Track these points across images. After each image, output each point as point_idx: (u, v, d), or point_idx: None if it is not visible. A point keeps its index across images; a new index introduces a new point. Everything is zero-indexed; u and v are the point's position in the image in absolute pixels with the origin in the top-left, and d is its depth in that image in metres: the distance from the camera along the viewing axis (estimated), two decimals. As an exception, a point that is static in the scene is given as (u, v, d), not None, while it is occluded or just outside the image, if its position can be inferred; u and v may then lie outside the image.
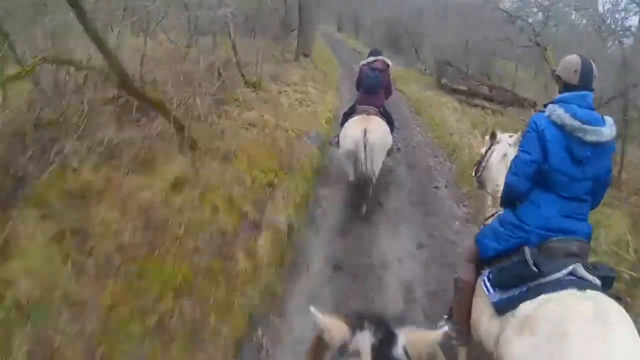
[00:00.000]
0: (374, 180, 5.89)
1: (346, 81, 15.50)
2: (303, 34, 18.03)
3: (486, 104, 16.43)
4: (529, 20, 14.85)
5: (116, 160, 5.63)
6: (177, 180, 5.65)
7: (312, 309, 1.17)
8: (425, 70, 22.33)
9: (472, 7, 20.66)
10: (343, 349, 1.10)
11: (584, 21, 17.83)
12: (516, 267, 2.48)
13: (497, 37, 17.07)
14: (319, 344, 1.17)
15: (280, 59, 15.38)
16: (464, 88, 18.38)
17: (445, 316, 3.35)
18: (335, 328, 1.14)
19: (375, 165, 5.68)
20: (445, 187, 7.91)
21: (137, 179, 5.46)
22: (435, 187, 7.87)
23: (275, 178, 6.42)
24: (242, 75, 10.71)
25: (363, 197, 5.84)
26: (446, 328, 1.25)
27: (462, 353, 3.14)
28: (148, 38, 8.62)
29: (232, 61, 10.61)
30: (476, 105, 15.95)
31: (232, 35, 9.98)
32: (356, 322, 1.14)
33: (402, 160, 8.80)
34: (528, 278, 2.41)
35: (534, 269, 2.36)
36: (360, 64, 6.87)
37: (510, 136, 3.57)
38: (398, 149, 7.22)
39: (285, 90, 11.49)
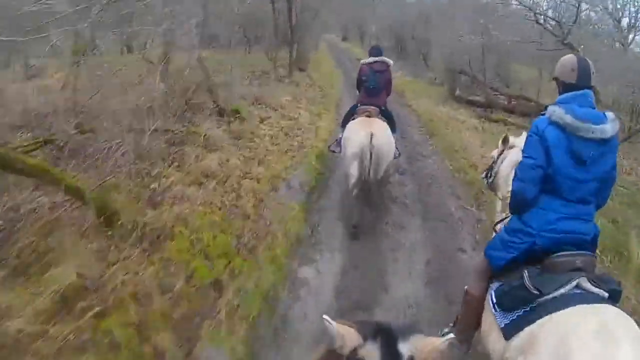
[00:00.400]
0: (377, 186, 5.68)
1: (349, 95, 13.41)
2: (298, 46, 15.99)
3: (508, 117, 14.20)
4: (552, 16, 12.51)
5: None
6: (68, 293, 3.53)
7: (325, 317, 1.15)
8: (435, 79, 20.08)
9: (484, 5, 18.33)
10: (353, 355, 1.11)
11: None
12: (516, 292, 2.40)
13: (514, 39, 14.79)
14: (331, 352, 1.14)
15: (271, 76, 13.29)
16: (481, 100, 16.15)
17: (451, 324, 3.26)
18: (347, 335, 1.13)
19: (380, 171, 5.48)
20: (474, 249, 5.68)
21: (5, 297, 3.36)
22: (461, 250, 5.69)
23: (227, 270, 4.27)
24: (214, 101, 8.56)
25: (367, 204, 5.61)
26: (452, 336, 1.23)
27: None
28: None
29: (213, 82, 8.57)
30: (496, 121, 13.74)
31: (196, 48, 7.78)
32: (367, 330, 1.14)
33: (416, 205, 6.76)
34: (530, 300, 2.33)
35: (535, 292, 2.30)
36: (361, 62, 6.50)
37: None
38: (399, 154, 6.70)
39: (269, 117, 9.36)
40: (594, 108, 2.47)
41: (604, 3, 15.02)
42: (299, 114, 10.35)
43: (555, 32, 12.26)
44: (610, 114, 2.46)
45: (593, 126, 2.36)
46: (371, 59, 6.25)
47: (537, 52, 14.59)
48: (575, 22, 12.46)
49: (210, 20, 16.72)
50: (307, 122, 9.91)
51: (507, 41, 14.73)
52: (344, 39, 50.06)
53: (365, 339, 1.12)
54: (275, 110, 10.11)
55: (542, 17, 12.53)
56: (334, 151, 6.70)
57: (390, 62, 6.40)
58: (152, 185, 5.61)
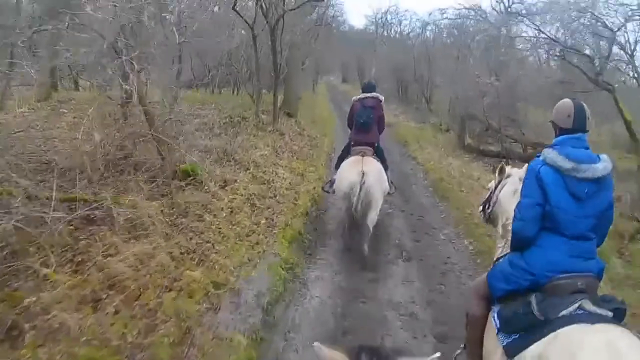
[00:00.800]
0: (374, 223, 5.44)
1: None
2: (287, 89, 13.98)
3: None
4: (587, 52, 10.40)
5: None
6: None
7: (315, 344, 1.16)
8: (441, 126, 17.98)
9: (495, 39, 16.36)
10: None
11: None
12: (522, 317, 2.37)
13: (530, 79, 12.75)
14: None
15: (252, 123, 11.17)
16: (495, 149, 14.00)
17: (462, 345, 3.19)
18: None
19: (372, 210, 5.30)
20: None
21: None
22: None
23: None
24: (162, 156, 6.27)
25: (362, 239, 5.40)
26: (438, 354, 1.24)
27: None
28: None
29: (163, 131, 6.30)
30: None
31: (133, 84, 5.54)
32: (356, 355, 1.15)
33: (427, 324, 4.46)
34: (535, 325, 2.30)
35: (541, 318, 2.28)
36: (353, 99, 6.46)
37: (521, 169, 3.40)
38: (395, 189, 6.66)
39: (235, 181, 7.08)
40: (588, 149, 2.49)
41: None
42: (277, 173, 8.11)
43: (585, 69, 10.14)
44: (604, 155, 2.48)
45: (584, 166, 2.39)
46: (363, 95, 6.16)
47: (556, 94, 12.52)
48: (608, 57, 10.40)
49: (195, 56, 15.22)
50: (285, 185, 7.67)
51: (525, 82, 12.65)
52: (344, 80, 48.77)
53: None
54: (247, 169, 7.86)
55: (569, 51, 10.39)
56: (327, 191, 6.55)
57: (382, 97, 6.32)
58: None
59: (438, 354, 1.22)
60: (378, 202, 5.48)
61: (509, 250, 2.81)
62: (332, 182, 6.21)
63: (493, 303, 2.74)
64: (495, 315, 2.61)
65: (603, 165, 2.43)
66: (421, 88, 23.40)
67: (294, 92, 13.96)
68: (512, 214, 2.76)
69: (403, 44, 32.70)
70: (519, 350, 2.31)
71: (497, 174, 3.64)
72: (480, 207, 3.79)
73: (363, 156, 5.67)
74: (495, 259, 3.20)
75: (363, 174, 5.19)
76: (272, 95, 12.08)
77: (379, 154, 6.08)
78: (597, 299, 2.34)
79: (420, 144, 14.04)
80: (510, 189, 3.37)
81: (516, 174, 3.40)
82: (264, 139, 10.14)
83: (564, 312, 2.27)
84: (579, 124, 2.51)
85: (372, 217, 5.41)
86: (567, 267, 2.43)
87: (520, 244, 2.62)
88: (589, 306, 2.27)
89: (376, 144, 6.14)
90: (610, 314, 2.26)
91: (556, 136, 2.60)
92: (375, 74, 38.34)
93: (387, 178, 5.99)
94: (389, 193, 6.23)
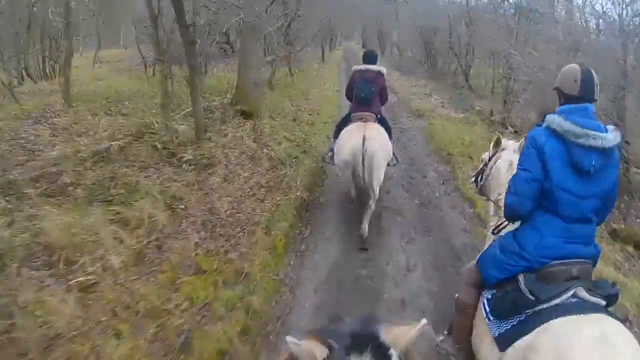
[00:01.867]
0: (376, 195, 4.91)
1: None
2: (240, 74, 8.08)
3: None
4: None
5: None
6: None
7: (288, 338, 1.05)
8: (493, 116, 11.74)
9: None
10: None
11: None
12: (512, 297, 2.20)
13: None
14: None
15: (150, 146, 5.39)
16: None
17: (445, 332, 3.02)
18: (314, 351, 1.03)
19: (375, 176, 4.78)
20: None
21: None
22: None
23: None
24: None
25: (365, 212, 4.86)
26: (424, 321, 1.11)
27: None
28: None
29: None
30: None
31: None
32: (336, 341, 1.03)
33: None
34: (526, 306, 2.14)
35: (531, 297, 2.11)
36: (353, 69, 5.64)
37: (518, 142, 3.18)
38: (397, 161, 6.06)
39: None
40: (594, 120, 2.22)
41: None
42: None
43: None
44: (610, 126, 2.22)
45: (593, 132, 2.11)
46: (363, 67, 5.49)
47: None
48: None
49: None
50: None
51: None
52: (364, 46, 42.81)
53: (334, 349, 1.01)
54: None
55: None
56: (327, 162, 6.02)
57: (384, 70, 5.58)
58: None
59: (424, 321, 1.11)
60: (381, 170, 4.91)
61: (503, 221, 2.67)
62: (332, 154, 5.56)
63: (483, 289, 2.50)
64: (485, 302, 2.39)
65: (613, 135, 2.15)
66: (458, 59, 17.00)
67: (251, 76, 7.95)
68: (505, 188, 2.49)
69: (431, 2, 25.83)
70: (510, 341, 2.12)
71: (492, 146, 3.37)
72: (472, 178, 3.57)
73: (365, 121, 5.08)
74: (486, 234, 3.14)
75: (364, 138, 4.66)
76: (190, 85, 6.08)
77: (382, 124, 5.38)
78: (591, 286, 2.15)
79: (463, 149, 8.18)
80: (504, 162, 3.15)
81: (511, 146, 3.19)
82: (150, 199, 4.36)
83: (557, 301, 2.09)
84: (586, 91, 2.23)
85: (375, 189, 4.82)
86: (563, 253, 2.20)
87: (513, 219, 2.43)
88: (583, 294, 2.11)
89: (378, 116, 5.41)
90: (603, 302, 2.11)
91: (560, 105, 2.30)
92: (398, 40, 32.04)
93: (392, 148, 5.37)
94: (392, 164, 5.63)
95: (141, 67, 11.52)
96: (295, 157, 6.74)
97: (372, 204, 4.89)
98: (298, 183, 5.81)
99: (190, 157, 5.44)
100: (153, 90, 8.22)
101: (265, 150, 6.61)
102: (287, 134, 7.67)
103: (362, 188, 4.90)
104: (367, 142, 4.70)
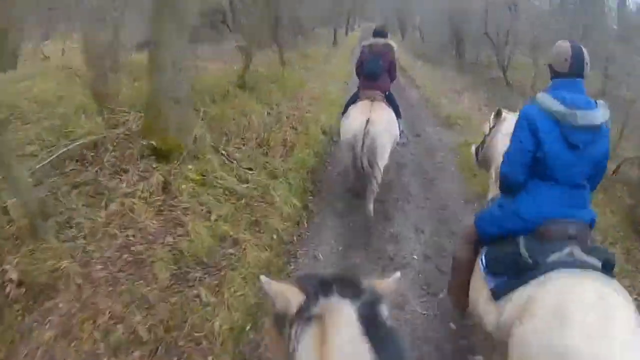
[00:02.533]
0: (379, 178, 4.54)
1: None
2: (155, 85, 4.45)
3: None
4: None
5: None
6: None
7: (262, 277, 1.04)
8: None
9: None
10: (301, 314, 0.94)
11: None
12: (510, 258, 2.20)
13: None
14: (277, 315, 1.01)
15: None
16: None
17: (444, 290, 3.13)
18: (288, 294, 0.99)
19: (378, 160, 4.45)
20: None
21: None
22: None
23: None
24: None
25: (368, 194, 4.54)
26: (398, 274, 1.11)
27: None
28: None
29: None
30: None
31: None
32: (314, 287, 0.97)
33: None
34: (524, 268, 2.11)
35: (529, 260, 2.10)
36: (362, 44, 5.50)
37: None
38: (407, 139, 5.86)
39: None
40: (584, 94, 2.24)
41: None
42: None
43: None
44: (601, 101, 2.25)
45: (581, 112, 2.15)
46: (373, 40, 5.25)
47: None
48: None
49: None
50: None
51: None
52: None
53: (310, 294, 0.95)
54: None
55: None
56: (335, 140, 6.10)
57: (394, 44, 5.31)
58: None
59: (398, 274, 1.09)
60: (385, 153, 4.62)
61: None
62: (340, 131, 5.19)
63: (481, 247, 2.53)
64: (483, 258, 2.40)
65: (601, 112, 2.18)
66: (496, 50, 13.55)
67: (167, 87, 4.34)
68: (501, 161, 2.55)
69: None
70: (506, 291, 2.14)
71: (492, 118, 3.42)
72: (474, 151, 3.59)
73: (372, 101, 4.80)
74: (488, 200, 3.03)
75: (368, 121, 4.42)
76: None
77: (391, 101, 5.10)
78: (588, 247, 2.14)
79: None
80: (503, 133, 3.09)
81: (512, 118, 3.04)
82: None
83: (553, 257, 2.07)
84: (576, 68, 2.26)
85: (378, 173, 4.51)
86: (558, 214, 2.21)
87: (508, 188, 2.41)
88: (579, 253, 2.09)
89: (386, 93, 5.13)
90: (599, 263, 2.06)
91: (551, 79, 2.35)
92: (420, 23, 28.35)
93: (399, 125, 5.03)
94: (401, 143, 5.36)
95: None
96: (231, 256, 3.56)
97: (376, 187, 4.58)
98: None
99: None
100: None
101: (170, 239, 3.39)
102: (231, 187, 4.43)
103: (363, 171, 4.51)
104: (370, 125, 4.42)
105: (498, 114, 3.36)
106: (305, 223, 4.56)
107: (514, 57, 14.02)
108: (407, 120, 7.16)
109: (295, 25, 18.94)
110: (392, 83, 5.37)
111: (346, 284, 0.96)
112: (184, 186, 4.15)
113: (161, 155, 4.17)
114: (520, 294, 2.04)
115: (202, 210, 3.88)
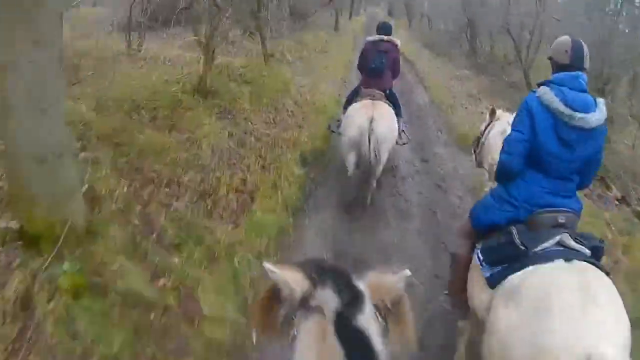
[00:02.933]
0: (378, 174, 4.63)
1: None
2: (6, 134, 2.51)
3: None
4: None
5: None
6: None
7: (265, 264, 0.99)
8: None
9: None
10: (304, 302, 0.95)
11: None
12: (504, 247, 2.26)
13: None
14: (271, 297, 1.02)
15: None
16: None
17: (445, 292, 3.02)
18: (295, 281, 0.97)
19: (381, 158, 4.46)
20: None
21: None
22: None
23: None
24: None
25: (366, 188, 4.57)
26: (407, 272, 1.05)
27: (463, 329, 2.82)
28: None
29: None
30: None
31: None
32: (318, 276, 0.98)
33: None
34: (517, 255, 2.18)
35: (522, 247, 2.17)
36: (366, 40, 5.46)
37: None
38: (409, 139, 5.61)
39: None
40: (586, 92, 2.30)
41: None
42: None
43: None
44: (600, 101, 2.30)
45: (577, 114, 2.21)
46: (377, 37, 5.22)
47: None
48: None
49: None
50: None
51: None
52: (389, 13, 37.74)
53: (315, 284, 0.95)
54: None
55: None
56: (333, 131, 5.48)
57: (398, 42, 5.31)
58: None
59: (407, 272, 1.04)
60: (386, 154, 4.59)
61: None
62: (339, 123, 5.15)
63: (477, 242, 2.56)
64: (479, 251, 2.43)
65: (597, 117, 2.24)
66: (517, 48, 11.54)
67: (26, 137, 2.39)
68: (496, 156, 2.64)
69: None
70: (499, 280, 2.18)
71: (487, 116, 3.53)
72: (472, 150, 3.71)
73: (373, 99, 4.75)
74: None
75: (372, 119, 4.35)
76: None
77: (392, 100, 5.06)
78: (577, 235, 2.20)
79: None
80: (497, 130, 3.21)
81: (506, 117, 3.22)
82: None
83: (543, 245, 2.14)
84: (576, 60, 2.33)
85: (379, 169, 4.55)
86: (546, 202, 2.31)
87: (505, 176, 2.48)
88: (569, 241, 2.13)
89: (388, 90, 5.10)
90: (588, 251, 2.12)
91: (553, 72, 2.41)
92: (429, 10, 26.10)
93: (399, 126, 4.98)
94: (401, 144, 5.29)
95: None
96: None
97: (374, 182, 4.63)
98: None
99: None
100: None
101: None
102: (137, 291, 2.58)
103: (366, 168, 4.41)
104: (375, 123, 4.34)
105: (492, 113, 3.48)
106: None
107: (537, 55, 12.03)
108: (413, 138, 6.07)
109: (291, 8, 16.89)
110: (396, 80, 5.38)
111: (339, 278, 0.96)
112: (51, 304, 2.35)
113: (28, 241, 2.39)
114: (509, 282, 2.08)
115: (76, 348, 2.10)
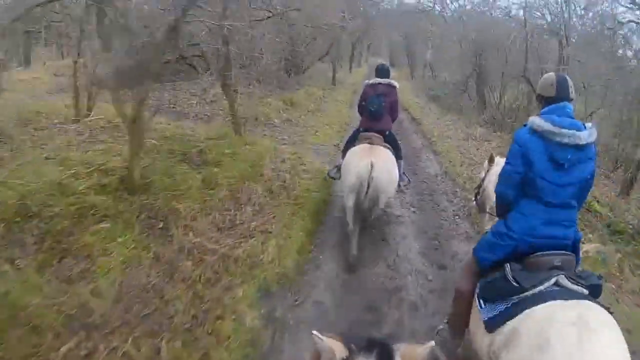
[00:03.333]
0: (371, 218, 4.68)
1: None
2: None
3: None
4: None
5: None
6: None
7: (314, 332, 1.09)
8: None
9: None
10: None
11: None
12: (499, 283, 2.29)
13: None
14: None
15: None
16: None
17: (445, 321, 3.03)
18: (335, 349, 1.07)
19: (378, 203, 4.44)
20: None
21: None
22: None
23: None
24: None
25: (354, 234, 4.40)
26: (433, 343, 1.14)
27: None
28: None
29: None
30: None
31: None
32: (356, 345, 1.07)
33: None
34: (511, 293, 2.20)
35: (515, 284, 2.19)
36: (364, 83, 5.50)
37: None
38: (409, 181, 5.68)
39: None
40: (573, 118, 2.37)
41: None
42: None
43: None
44: (589, 124, 2.37)
45: (567, 131, 2.26)
46: (375, 80, 5.25)
47: None
48: None
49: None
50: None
51: None
52: (391, 64, 36.45)
53: (352, 352, 1.05)
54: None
55: None
56: (333, 177, 5.58)
57: (396, 84, 5.31)
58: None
59: (433, 343, 1.14)
60: (386, 197, 4.60)
61: None
62: (338, 168, 5.30)
63: (480, 279, 2.55)
64: (478, 286, 2.48)
65: (587, 133, 2.29)
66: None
67: None
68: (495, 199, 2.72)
69: (483, 19, 18.60)
70: (498, 325, 2.19)
71: (486, 163, 3.61)
72: (473, 197, 3.77)
73: (371, 144, 4.72)
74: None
75: (372, 165, 4.26)
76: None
77: (391, 142, 5.06)
78: (574, 275, 2.20)
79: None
80: (496, 175, 3.14)
81: (502, 162, 3.00)
82: None
83: (540, 288, 2.14)
84: (562, 92, 2.41)
85: (372, 215, 4.60)
86: (545, 233, 2.33)
87: (502, 207, 2.54)
88: (565, 282, 2.15)
89: (387, 132, 5.10)
90: (585, 291, 2.13)
91: (542, 108, 2.47)
92: (432, 59, 24.98)
93: (400, 168, 5.04)
94: (402, 185, 5.31)
95: None
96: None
97: (360, 227, 4.50)
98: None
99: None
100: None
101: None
102: None
103: (361, 212, 4.37)
104: (375, 170, 4.24)
105: (491, 159, 3.66)
106: None
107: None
108: (425, 229, 5.25)
109: (285, 62, 15.63)
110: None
111: (379, 348, 1.03)
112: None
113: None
114: (508, 327, 2.09)
115: None
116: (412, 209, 5.96)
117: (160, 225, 4.00)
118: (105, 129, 6.21)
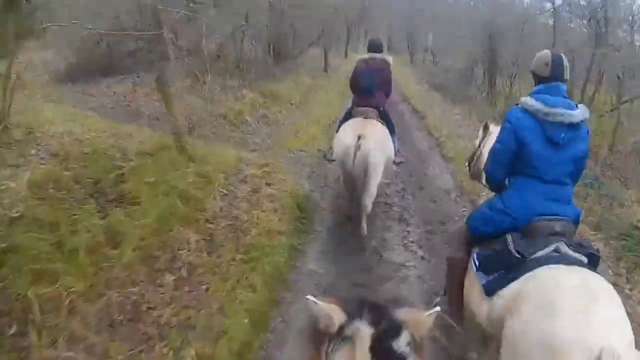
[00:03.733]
0: (373, 195, 4.34)
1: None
2: None
3: None
4: None
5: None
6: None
7: (308, 297, 1.00)
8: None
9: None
10: (340, 332, 0.97)
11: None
12: (500, 255, 2.24)
13: None
14: (317, 331, 1.01)
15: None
16: None
17: (442, 292, 3.02)
18: (332, 314, 0.98)
19: (371, 177, 4.21)
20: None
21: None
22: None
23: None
24: None
25: (361, 215, 4.37)
26: (438, 308, 1.07)
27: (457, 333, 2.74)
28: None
29: None
30: None
31: None
32: (354, 309, 0.99)
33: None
34: (513, 264, 2.15)
35: (517, 255, 2.15)
36: (357, 59, 5.31)
37: None
38: (404, 159, 5.32)
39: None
40: (566, 98, 2.33)
41: None
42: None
43: None
44: (581, 105, 2.34)
45: (559, 110, 2.23)
46: (368, 55, 5.02)
47: None
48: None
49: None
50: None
51: None
52: (389, 48, 34.90)
53: (350, 316, 0.97)
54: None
55: None
56: (329, 159, 5.21)
57: (389, 59, 5.08)
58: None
59: (438, 309, 1.06)
60: (377, 171, 4.32)
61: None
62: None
63: (473, 246, 2.56)
64: (475, 256, 2.44)
65: (579, 112, 2.26)
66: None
67: None
68: None
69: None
70: (497, 288, 2.16)
71: (481, 131, 3.53)
72: (466, 163, 3.69)
73: (365, 118, 4.60)
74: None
75: (359, 137, 4.18)
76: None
77: (385, 118, 4.83)
78: (573, 243, 2.17)
79: None
80: (491, 145, 3.05)
81: (497, 131, 3.01)
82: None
83: (540, 253, 2.11)
84: (556, 72, 2.35)
85: (371, 191, 4.29)
86: (544, 209, 2.27)
87: (493, 186, 2.54)
88: (565, 249, 2.12)
89: (381, 109, 4.84)
90: (585, 259, 2.11)
91: (535, 86, 2.43)
92: (433, 44, 23.11)
93: (394, 144, 4.77)
94: (396, 163, 5.01)
95: None
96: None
97: (369, 205, 4.35)
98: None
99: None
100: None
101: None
102: None
103: (357, 189, 4.28)
104: (362, 141, 4.16)
105: (486, 127, 3.47)
106: None
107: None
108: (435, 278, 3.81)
109: (273, 48, 13.82)
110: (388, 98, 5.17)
111: (375, 310, 0.97)
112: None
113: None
114: (510, 290, 2.05)
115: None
116: (419, 251, 4.29)
117: (13, 330, 2.33)
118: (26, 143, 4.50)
